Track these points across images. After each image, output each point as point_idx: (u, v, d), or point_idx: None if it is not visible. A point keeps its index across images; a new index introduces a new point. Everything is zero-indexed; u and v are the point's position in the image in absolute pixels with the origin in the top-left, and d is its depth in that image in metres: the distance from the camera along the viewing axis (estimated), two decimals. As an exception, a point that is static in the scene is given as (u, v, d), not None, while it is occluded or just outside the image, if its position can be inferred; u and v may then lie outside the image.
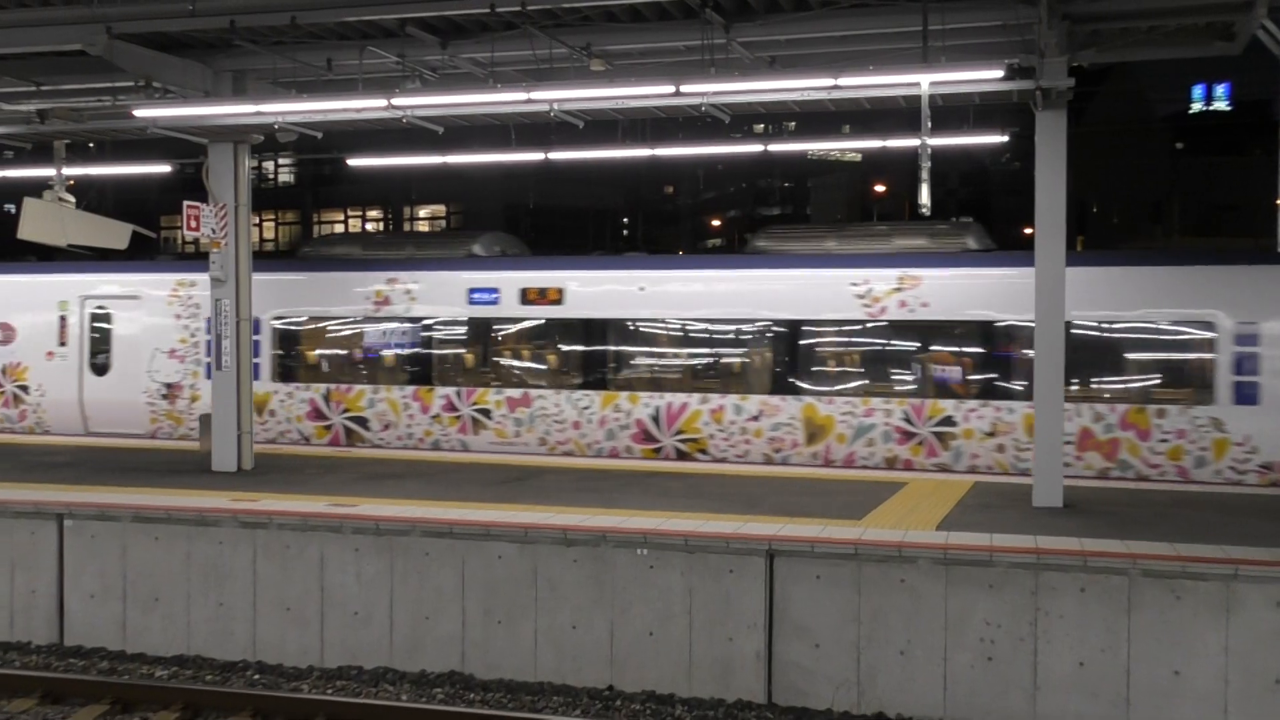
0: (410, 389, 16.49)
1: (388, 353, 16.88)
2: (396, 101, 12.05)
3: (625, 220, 53.72)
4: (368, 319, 16.83)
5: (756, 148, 19.46)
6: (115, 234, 15.91)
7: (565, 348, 16.12)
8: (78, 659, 10.68)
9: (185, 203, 13.36)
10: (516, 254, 17.76)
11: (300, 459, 14.78)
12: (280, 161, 50.88)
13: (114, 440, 16.89)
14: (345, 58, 12.78)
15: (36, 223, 14.26)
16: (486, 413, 16.14)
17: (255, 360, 16.10)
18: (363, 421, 16.59)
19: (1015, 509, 11.16)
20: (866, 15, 11.51)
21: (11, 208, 21.73)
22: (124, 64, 12.15)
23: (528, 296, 16.19)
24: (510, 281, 16.29)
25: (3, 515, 11.22)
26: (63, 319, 17.96)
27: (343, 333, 17.12)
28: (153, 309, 17.62)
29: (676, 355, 15.74)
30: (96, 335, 17.86)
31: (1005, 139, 15.47)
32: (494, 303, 16.34)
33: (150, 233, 16.51)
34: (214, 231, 13.43)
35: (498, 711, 9.22)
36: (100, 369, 17.75)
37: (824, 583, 9.48)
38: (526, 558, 10.10)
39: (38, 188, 14.99)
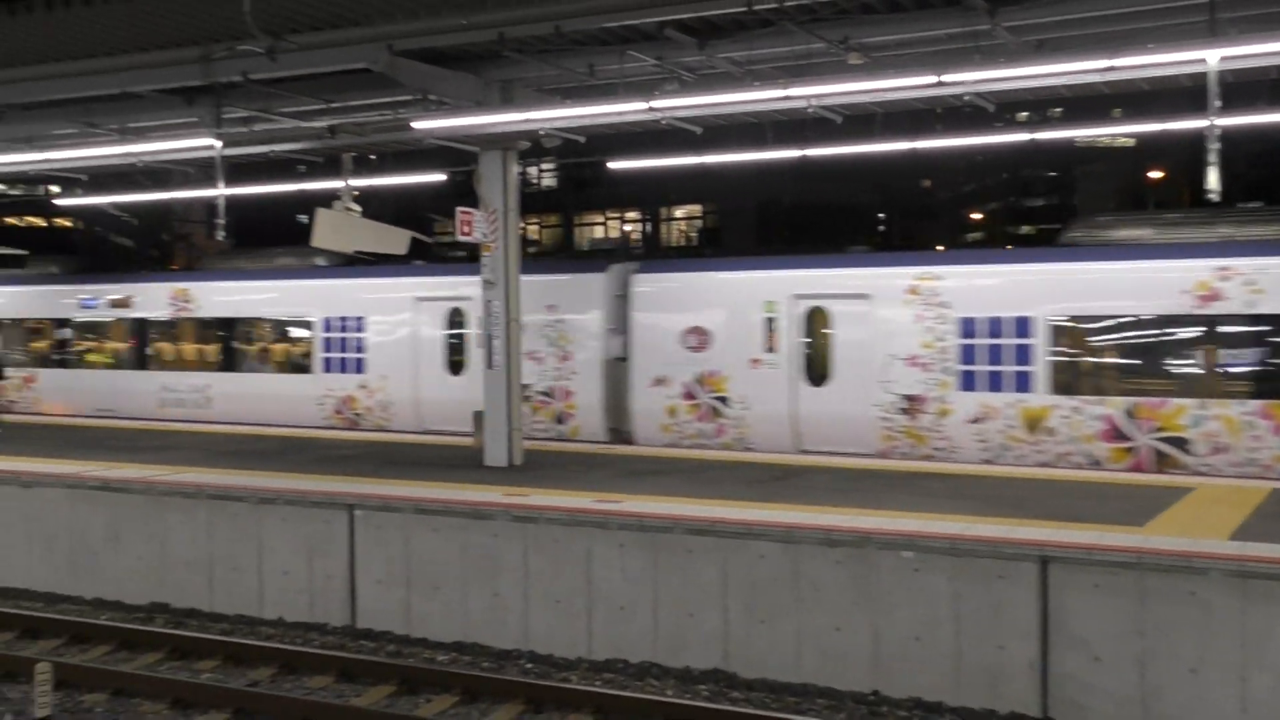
0: (1256, 404, 13.58)
1: (1208, 358, 14.07)
2: (655, 104, 12.24)
3: (881, 216, 52.69)
4: (1181, 317, 14.01)
5: (1022, 136, 18.71)
6: (395, 240, 16.81)
7: None
8: (368, 640, 11.39)
9: (458, 209, 14.00)
10: None
11: (564, 455, 15.24)
12: (543, 166, 52.64)
13: (399, 436, 17.77)
14: (606, 62, 13.09)
15: (327, 231, 15.25)
16: None
17: (1022, 368, 14.52)
18: (1182, 444, 13.96)
19: (1321, 518, 10.27)
20: (1145, -11, 10.87)
21: (304, 218, 23.35)
22: (403, 79, 12.87)
23: None
24: None
25: (302, 505, 12.08)
26: (770, 321, 16.03)
27: (1148, 334, 14.43)
28: (886, 308, 15.38)
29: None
30: (815, 339, 15.92)
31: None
32: None
33: (426, 238, 17.39)
34: (485, 235, 14.02)
35: (763, 712, 9.19)
36: (817, 379, 15.75)
37: (1103, 592, 8.99)
38: (789, 558, 10.05)
39: (327, 199, 16.05)
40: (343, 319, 19.45)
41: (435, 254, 43.25)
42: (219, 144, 14.41)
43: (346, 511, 11.88)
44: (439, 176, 20.22)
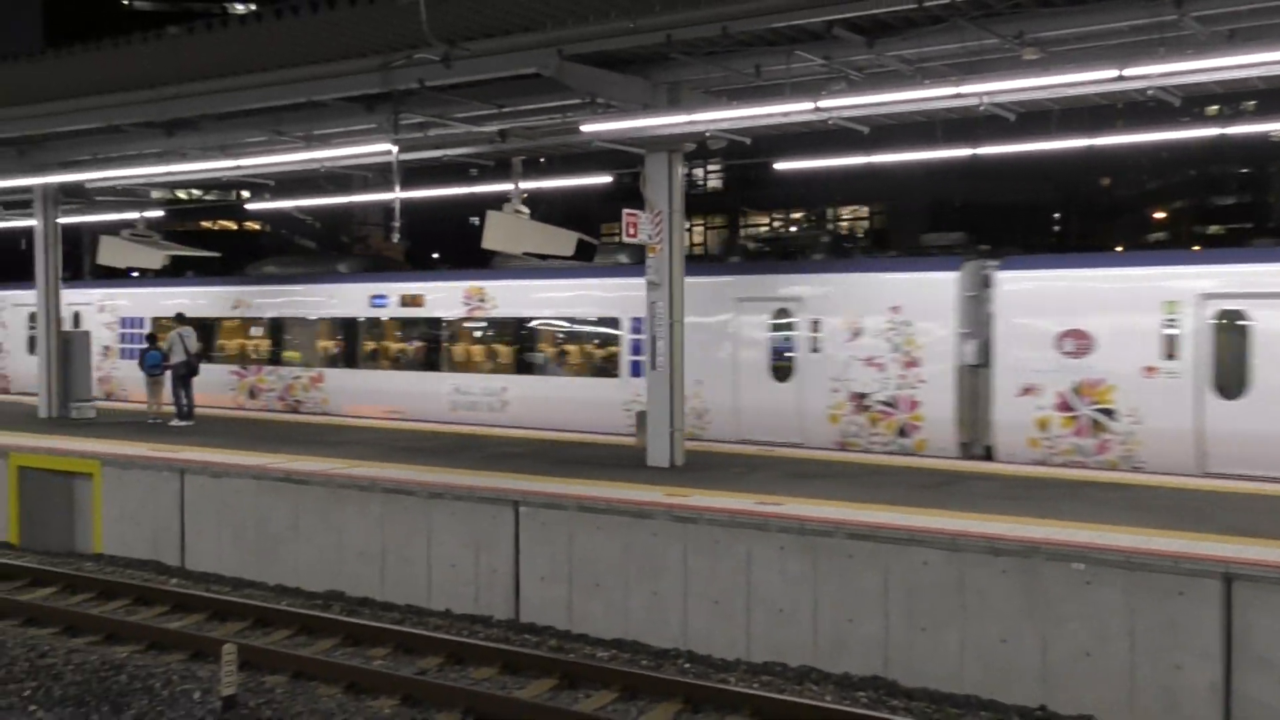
0: None
1: None
2: (822, 104, 12.13)
3: (1056, 215, 50.95)
4: None
5: (1211, 131, 17.86)
6: (563, 242, 17.08)
7: None
8: (531, 634, 11.63)
9: (625, 210, 14.15)
10: None
11: (726, 457, 15.25)
12: (710, 167, 52.73)
13: (571, 435, 18.00)
14: (773, 63, 13.03)
15: (498, 233, 15.63)
16: None
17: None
18: None
19: None
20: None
21: (476, 220, 23.91)
22: (572, 83, 13.07)
23: None
24: None
25: (470, 500, 12.42)
26: (1170, 323, 14.26)
27: None
28: None
29: None
30: (1228, 344, 14.07)
31: None
32: None
33: (593, 240, 17.51)
34: (650, 237, 14.14)
35: (923, 721, 9.04)
36: (1231, 390, 13.91)
37: (1293, 613, 8.53)
38: (953, 565, 9.84)
39: (498, 202, 16.44)
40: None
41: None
42: (395, 149, 14.91)
43: (512, 507, 12.15)
44: (605, 179, 20.47)
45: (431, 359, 21.09)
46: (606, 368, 18.93)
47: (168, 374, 19.84)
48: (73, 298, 25.21)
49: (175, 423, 19.30)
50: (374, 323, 22.09)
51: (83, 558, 15.18)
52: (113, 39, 14.47)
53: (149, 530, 14.78)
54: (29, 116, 17.00)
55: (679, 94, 13.97)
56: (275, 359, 23.31)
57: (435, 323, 21.13)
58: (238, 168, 17.00)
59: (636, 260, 18.58)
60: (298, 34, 13.22)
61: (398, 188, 15.63)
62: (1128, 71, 10.46)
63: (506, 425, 19.25)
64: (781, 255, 20.21)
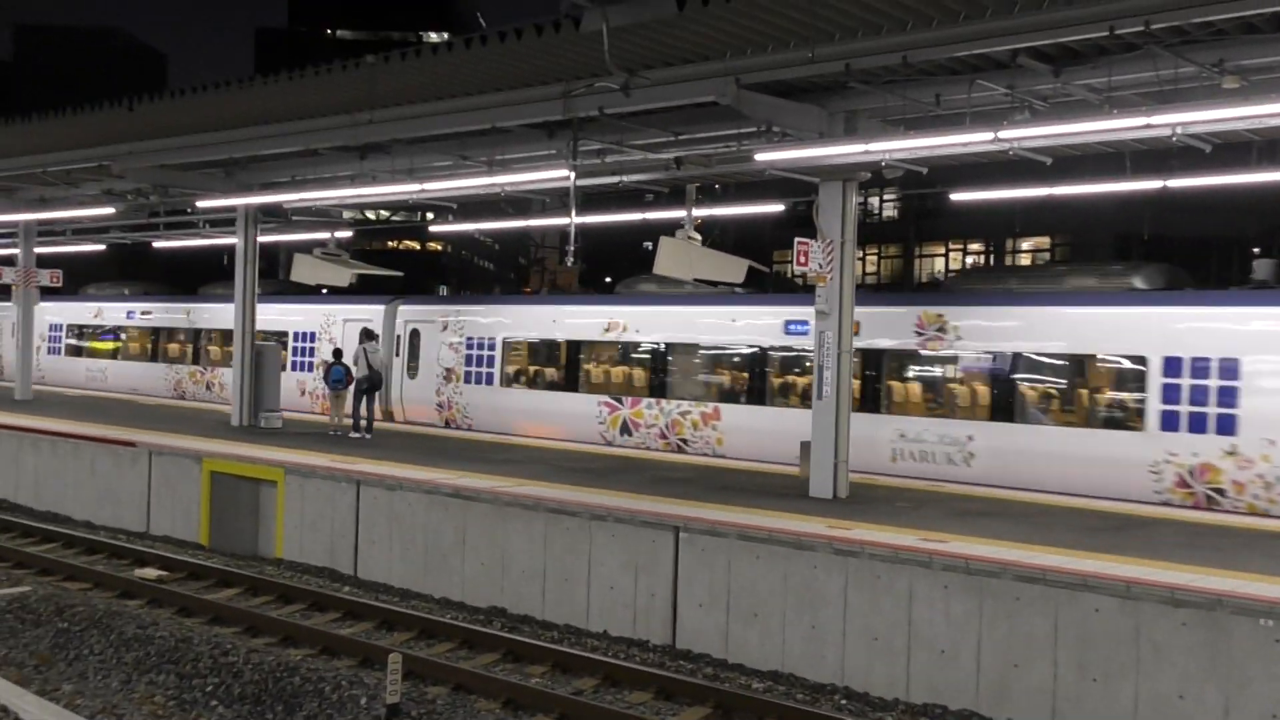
0: None
1: None
2: (1003, 134, 11.84)
3: (1256, 250, 48.35)
4: None
5: None
6: (733, 269, 17.11)
7: None
8: (687, 661, 11.63)
9: (796, 239, 14.09)
10: None
11: (892, 490, 14.97)
12: (885, 197, 52.05)
13: (720, 460, 18.03)
14: (954, 92, 12.79)
15: (669, 258, 15.77)
16: None
17: None
18: None
19: None
20: None
21: (649, 245, 24.10)
22: (749, 111, 13.11)
23: None
24: None
25: (631, 523, 12.52)
26: None
27: None
28: None
29: None
30: None
31: None
32: None
33: (763, 267, 17.45)
34: (821, 266, 14.03)
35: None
36: None
37: None
38: (1128, 614, 9.41)
39: (671, 228, 16.60)
40: (1205, 359, 14.69)
41: (776, 285, 43.60)
42: (574, 175, 15.23)
43: (673, 533, 12.19)
44: (778, 206, 20.43)
45: (870, 396, 17.80)
46: (1122, 417, 15.58)
47: (350, 389, 20.64)
48: (410, 314, 24.46)
49: (353, 435, 20.05)
50: (787, 351, 19.09)
51: (265, 561, 15.92)
52: (314, 67, 15.21)
53: (326, 538, 15.40)
54: (236, 140, 18.02)
55: (855, 123, 13.85)
56: (660, 390, 20.36)
57: (876, 355, 17.82)
58: (424, 191, 17.63)
59: (1158, 284, 16.41)
60: (484, 63, 13.65)
61: (574, 212, 15.95)
62: (1337, 102, 9.88)
63: (970, 481, 16.16)
64: None
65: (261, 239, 22.52)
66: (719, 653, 11.72)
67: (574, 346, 21.62)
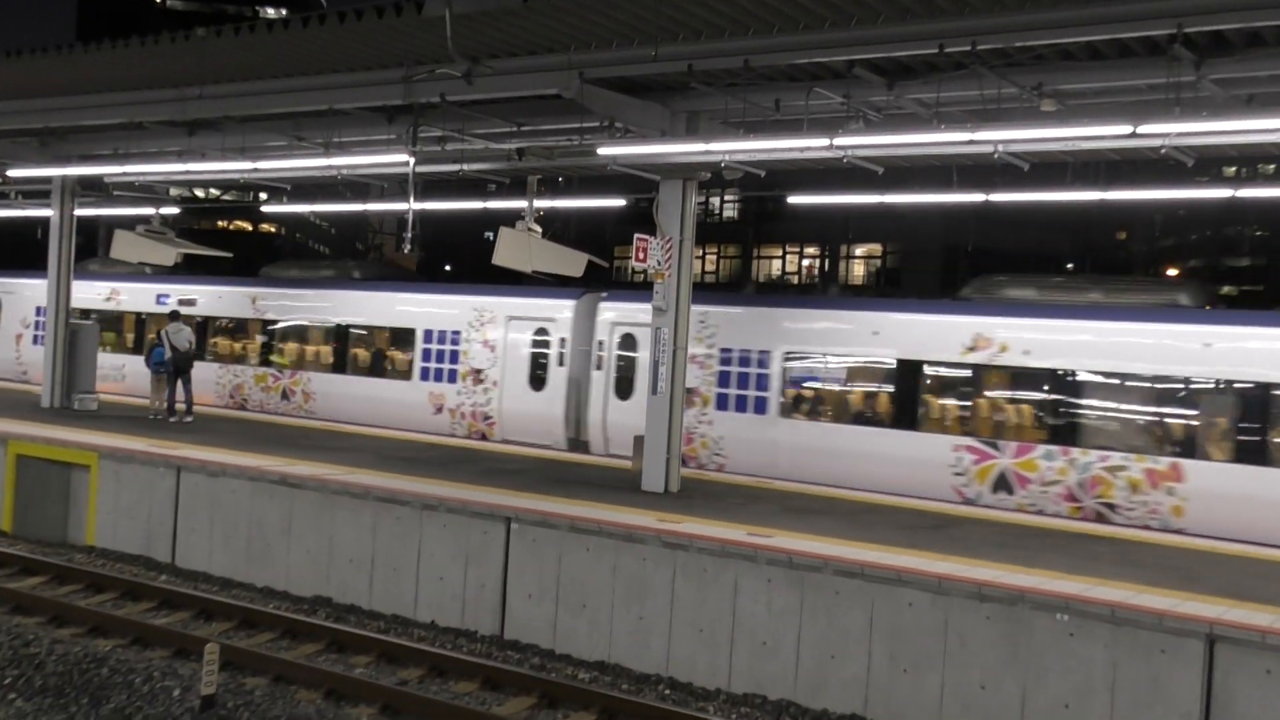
0: None
1: None
2: (839, 141, 12.18)
3: (1069, 266, 51.03)
4: None
5: (1225, 193, 17.90)
6: (573, 262, 17.17)
7: None
8: (514, 651, 11.63)
9: (636, 235, 14.23)
10: None
11: (723, 486, 15.26)
12: (725, 197, 52.93)
13: (554, 454, 18.06)
14: (792, 98, 13.13)
15: (508, 249, 15.72)
16: None
17: None
18: None
19: None
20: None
21: (490, 235, 23.90)
22: (592, 106, 13.17)
23: None
24: None
25: (463, 514, 12.45)
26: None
27: None
28: None
29: None
30: None
31: None
32: None
33: (603, 261, 17.53)
34: (659, 263, 14.21)
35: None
36: None
37: (1276, 679, 8.49)
38: (938, 608, 9.84)
39: (513, 218, 16.54)
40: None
41: (617, 280, 43.86)
42: (413, 160, 15.02)
43: (504, 524, 12.17)
44: (619, 201, 20.58)
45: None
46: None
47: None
48: (618, 313, 19.06)
49: (171, 419, 19.35)
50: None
51: (75, 549, 15.22)
52: (140, 37, 14.61)
53: (143, 525, 14.82)
54: (54, 109, 17.14)
55: (697, 123, 14.07)
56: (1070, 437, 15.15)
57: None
58: (256, 170, 17.12)
59: None
60: (323, 42, 13.35)
61: (413, 199, 15.73)
62: (1142, 129, 10.50)
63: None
64: None
65: (81, 213, 21.49)
66: (547, 643, 11.76)
67: (911, 368, 16.33)
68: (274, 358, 23.14)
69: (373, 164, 16.20)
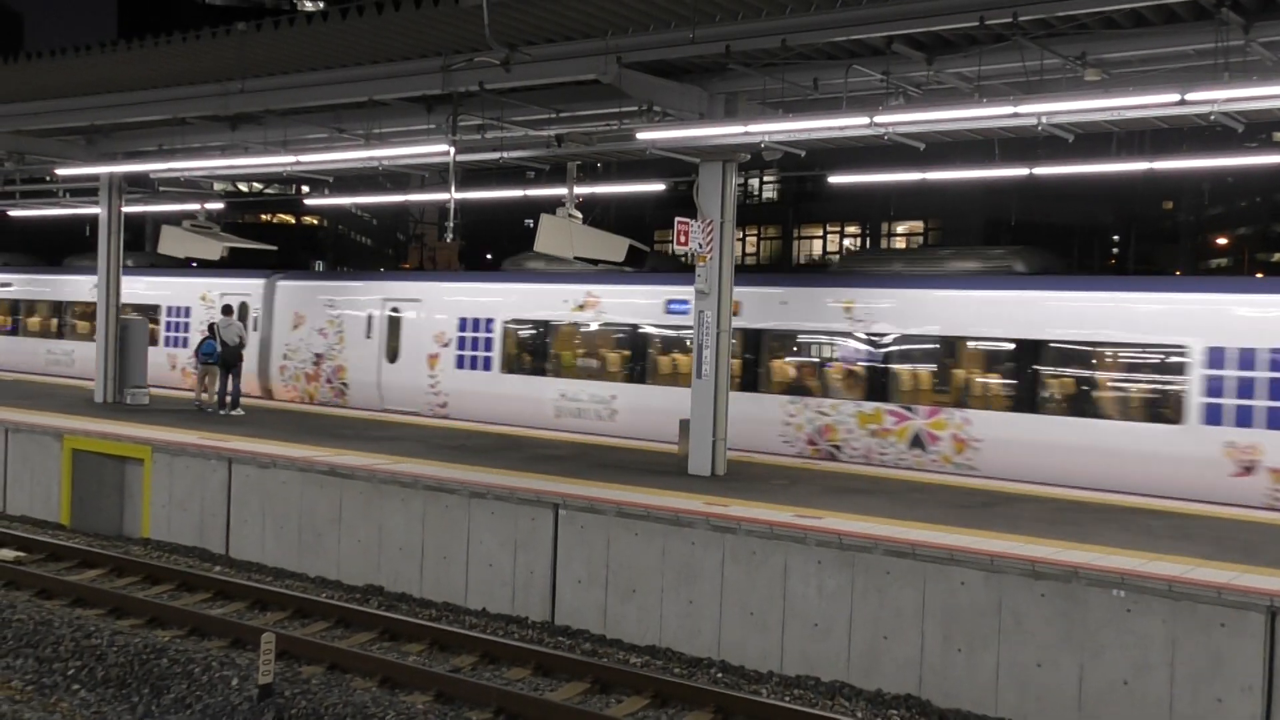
0: None
1: None
2: (879, 119, 12.08)
3: (1115, 238, 50.36)
4: None
5: (1276, 159, 17.53)
6: (614, 248, 17.13)
7: None
8: (565, 637, 11.68)
9: (677, 219, 14.19)
10: None
11: (769, 468, 15.22)
12: (765, 178, 52.67)
13: (599, 439, 18.08)
14: (831, 77, 13.02)
15: (550, 236, 15.72)
16: None
17: None
18: None
19: None
20: None
21: (530, 222, 23.89)
22: (630, 90, 13.14)
23: None
24: None
25: (511, 501, 12.50)
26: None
27: None
28: None
29: None
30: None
31: None
32: None
33: (644, 247, 17.50)
34: (701, 246, 14.16)
35: (954, 742, 8.97)
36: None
37: (1338, 652, 8.37)
38: (991, 587, 9.76)
39: (553, 205, 16.54)
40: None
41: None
42: (453, 150, 15.05)
43: (552, 510, 12.21)
44: (659, 186, 20.52)
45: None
46: None
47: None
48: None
49: (221, 412, 19.56)
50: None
51: (131, 541, 15.45)
52: (183, 33, 14.73)
53: (196, 517, 15.01)
54: (99, 107, 17.35)
55: (735, 105, 14.00)
56: None
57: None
58: (298, 163, 17.23)
59: None
60: (362, 34, 13.40)
61: (454, 188, 15.77)
62: (1190, 96, 10.32)
63: None
64: None
65: (128, 209, 21.74)
66: (598, 629, 11.79)
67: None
68: None
69: (413, 154, 16.24)
